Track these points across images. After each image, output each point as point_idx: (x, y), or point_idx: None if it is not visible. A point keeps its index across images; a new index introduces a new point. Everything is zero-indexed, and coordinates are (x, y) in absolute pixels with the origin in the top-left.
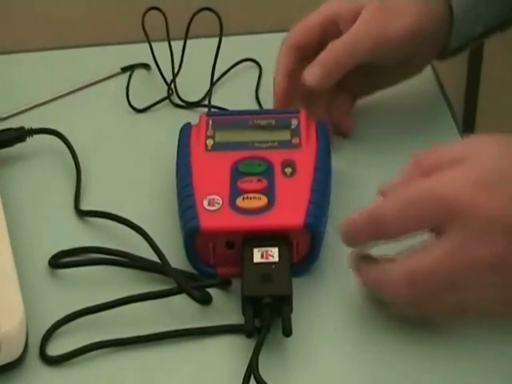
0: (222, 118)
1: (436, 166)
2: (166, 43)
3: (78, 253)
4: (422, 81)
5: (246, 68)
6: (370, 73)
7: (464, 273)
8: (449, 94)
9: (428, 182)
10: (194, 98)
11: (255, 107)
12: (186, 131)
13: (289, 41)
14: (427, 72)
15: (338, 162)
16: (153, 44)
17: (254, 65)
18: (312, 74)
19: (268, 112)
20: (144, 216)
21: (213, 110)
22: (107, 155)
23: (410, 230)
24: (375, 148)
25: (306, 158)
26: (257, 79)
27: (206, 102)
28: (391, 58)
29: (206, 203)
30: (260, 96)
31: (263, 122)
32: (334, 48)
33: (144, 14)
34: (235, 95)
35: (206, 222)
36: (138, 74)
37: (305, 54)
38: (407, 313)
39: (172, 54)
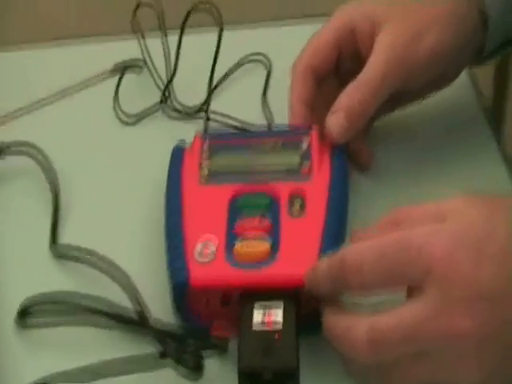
0: (219, 139)
1: (412, 221)
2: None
3: (51, 301)
4: (457, 102)
5: (254, 64)
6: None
7: (436, 343)
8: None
9: (403, 232)
10: (193, 102)
11: (262, 113)
12: (177, 156)
13: (302, 62)
14: (464, 86)
15: (354, 199)
16: (148, 39)
17: (263, 59)
18: (337, 124)
19: (273, 132)
20: (131, 254)
21: (210, 130)
22: (91, 177)
23: (376, 284)
24: (398, 181)
25: (317, 191)
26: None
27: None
28: (419, 82)
29: (197, 250)
30: (269, 96)
31: (268, 145)
32: (357, 91)
33: (136, 8)
34: (241, 98)
35: (197, 276)
36: (131, 73)
37: (321, 74)
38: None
39: (168, 52)
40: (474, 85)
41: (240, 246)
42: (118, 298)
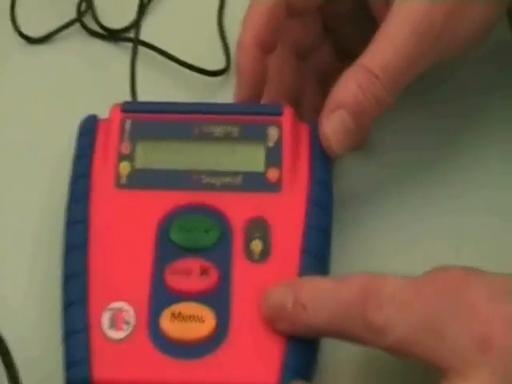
0: (147, 116)
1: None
2: None
3: None
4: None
5: None
6: None
7: None
8: None
9: None
10: (122, 19)
11: (216, 43)
12: (86, 137)
13: None
14: None
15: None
16: None
17: None
18: (339, 129)
19: (227, 109)
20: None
21: (134, 101)
22: None
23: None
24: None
25: (289, 211)
26: None
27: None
28: (450, 59)
29: (107, 318)
30: (226, 19)
31: (218, 131)
32: (373, 80)
33: None
34: (186, 17)
35: (104, 368)
36: None
37: (296, 11)
38: None
39: None
40: None
41: (169, 320)
42: None
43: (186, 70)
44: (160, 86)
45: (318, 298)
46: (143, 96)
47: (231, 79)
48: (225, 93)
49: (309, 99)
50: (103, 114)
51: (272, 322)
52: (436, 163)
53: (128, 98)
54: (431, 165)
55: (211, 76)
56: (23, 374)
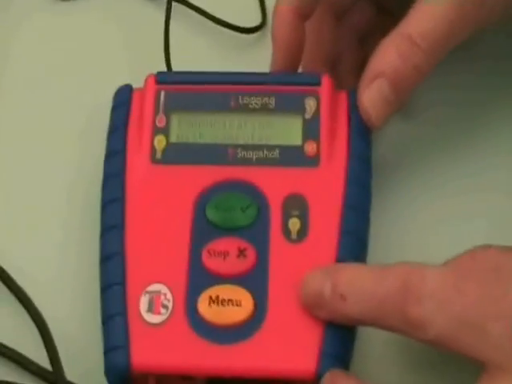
0: (182, 87)
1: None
2: None
3: None
4: None
5: None
6: None
7: None
8: None
9: None
10: None
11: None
12: (120, 110)
13: None
14: None
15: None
16: None
17: None
18: (378, 98)
19: (264, 79)
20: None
21: (170, 71)
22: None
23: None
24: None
25: (327, 191)
26: None
27: None
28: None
29: (144, 305)
30: None
31: (255, 102)
32: (412, 48)
33: None
34: None
35: (142, 353)
36: None
37: None
38: None
39: None
40: None
41: (208, 304)
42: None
43: (221, 28)
44: (194, 43)
45: (356, 289)
46: (176, 54)
47: (267, 34)
48: (261, 50)
49: (348, 61)
50: (134, 74)
51: (310, 309)
52: (478, 120)
53: (161, 57)
54: (472, 122)
55: (247, 33)
56: (61, 352)
